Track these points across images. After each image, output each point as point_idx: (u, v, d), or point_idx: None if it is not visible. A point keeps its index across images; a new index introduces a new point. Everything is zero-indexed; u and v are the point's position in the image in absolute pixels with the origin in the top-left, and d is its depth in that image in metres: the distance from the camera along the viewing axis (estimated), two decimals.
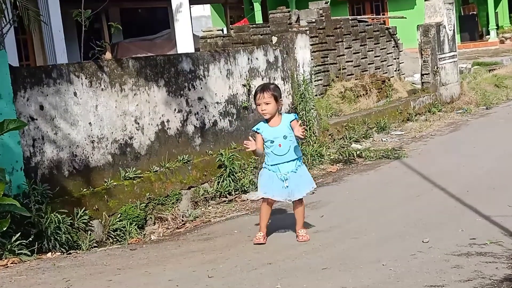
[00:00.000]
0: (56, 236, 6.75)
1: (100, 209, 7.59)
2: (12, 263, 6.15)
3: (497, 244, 6.15)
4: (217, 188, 9.16)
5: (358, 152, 11.40)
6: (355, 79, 15.78)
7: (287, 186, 6.62)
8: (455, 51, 17.74)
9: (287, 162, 6.66)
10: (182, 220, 8.26)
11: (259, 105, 6.66)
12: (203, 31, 17.08)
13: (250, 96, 10.34)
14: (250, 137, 6.71)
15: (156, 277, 5.73)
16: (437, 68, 16.42)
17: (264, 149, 6.73)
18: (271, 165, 6.68)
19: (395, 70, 18.33)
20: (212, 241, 7.14)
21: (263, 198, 6.79)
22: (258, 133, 6.71)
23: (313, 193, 8.96)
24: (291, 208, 7.10)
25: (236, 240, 7.03)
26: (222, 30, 17.71)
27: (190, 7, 19.74)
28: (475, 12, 37.49)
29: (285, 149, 6.65)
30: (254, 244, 6.65)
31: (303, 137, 6.56)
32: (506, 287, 5.04)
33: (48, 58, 15.71)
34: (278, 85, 7.11)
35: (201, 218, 8.39)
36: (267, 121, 6.71)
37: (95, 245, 7.25)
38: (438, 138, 13.19)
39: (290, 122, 6.64)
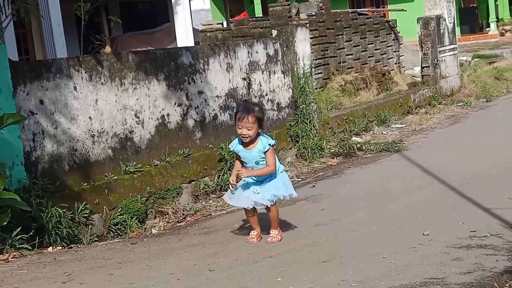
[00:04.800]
0: (57, 231, 6.75)
1: (101, 203, 7.59)
2: (13, 257, 6.16)
3: (498, 237, 6.16)
4: (217, 181, 9.16)
5: (358, 145, 11.40)
6: (355, 72, 15.76)
7: (258, 193, 6.44)
8: (455, 43, 17.72)
9: (261, 181, 6.46)
10: (183, 214, 8.27)
11: (241, 128, 6.27)
12: (203, 25, 17.07)
13: (250, 90, 10.34)
14: (230, 187, 6.50)
15: (157, 270, 5.74)
16: (437, 61, 16.41)
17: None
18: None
19: (395, 63, 18.31)
20: (212, 234, 7.15)
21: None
22: (236, 154, 6.51)
23: (313, 186, 9.00)
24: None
25: (236, 234, 7.04)
26: (222, 24, 17.71)
27: (189, 1, 19.71)
28: (475, 5, 37.44)
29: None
30: (248, 242, 6.54)
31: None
32: (507, 279, 5.05)
33: (48, 53, 15.68)
34: (262, 105, 6.67)
35: (202, 211, 8.40)
36: (242, 142, 6.41)
37: (96, 239, 7.25)
38: (438, 130, 13.20)
39: (264, 152, 6.35)
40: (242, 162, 6.53)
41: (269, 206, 6.43)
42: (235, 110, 6.60)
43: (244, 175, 6.41)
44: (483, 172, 9.14)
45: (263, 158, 6.38)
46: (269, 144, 6.37)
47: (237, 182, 6.55)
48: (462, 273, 5.26)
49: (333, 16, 15.59)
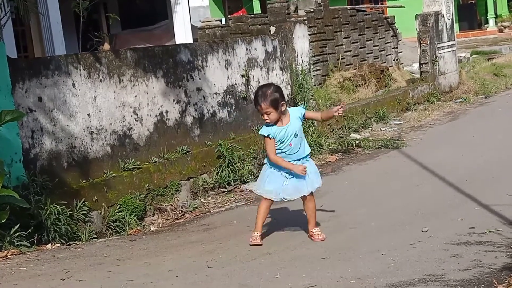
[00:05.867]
0: (55, 228, 6.75)
1: (99, 200, 7.59)
2: (11, 254, 6.16)
3: (496, 233, 6.17)
4: (216, 178, 9.16)
5: (357, 142, 11.40)
6: (354, 69, 15.74)
7: (287, 184, 6.32)
8: (454, 40, 17.72)
9: (297, 160, 6.33)
10: (182, 211, 8.27)
11: (261, 115, 6.29)
12: (202, 22, 17.03)
13: (249, 87, 10.34)
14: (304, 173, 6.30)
15: (156, 267, 5.74)
16: (435, 57, 16.41)
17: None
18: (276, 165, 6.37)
19: (394, 60, 18.30)
20: (211, 231, 7.15)
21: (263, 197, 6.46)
22: (271, 138, 6.30)
23: None
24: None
25: (235, 231, 7.04)
26: (221, 21, 17.68)
27: None
28: (473, 1, 37.40)
29: (296, 147, 6.31)
30: (250, 245, 6.31)
31: (342, 114, 6.40)
32: (505, 276, 5.05)
33: (47, 50, 15.68)
34: (278, 85, 6.61)
35: (201, 208, 8.40)
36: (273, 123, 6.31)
37: (95, 236, 7.25)
38: (437, 127, 13.19)
39: (302, 115, 6.34)
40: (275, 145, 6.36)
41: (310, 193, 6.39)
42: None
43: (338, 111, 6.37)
44: (482, 168, 9.14)
45: (301, 129, 6.36)
46: (303, 108, 6.47)
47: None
48: (461, 269, 5.26)
49: (332, 12, 15.56)
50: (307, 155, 6.43)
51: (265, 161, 6.51)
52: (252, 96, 10.24)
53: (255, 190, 6.56)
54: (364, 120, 13.18)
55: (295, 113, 6.36)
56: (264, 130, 6.32)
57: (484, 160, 9.68)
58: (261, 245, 6.30)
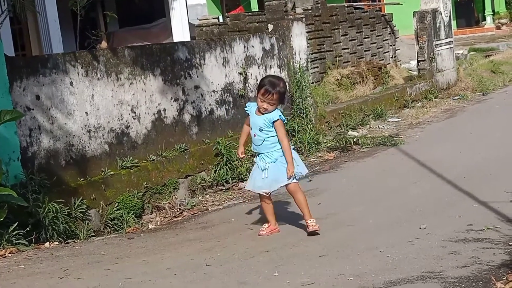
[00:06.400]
0: (53, 226, 6.74)
1: (97, 198, 7.58)
2: (10, 253, 6.15)
3: (494, 230, 6.18)
4: (214, 176, 9.16)
5: (355, 140, 11.41)
6: (352, 66, 15.75)
7: (267, 177, 6.42)
8: (451, 37, 17.72)
9: (265, 153, 6.46)
10: (180, 209, 8.27)
11: (263, 102, 6.35)
12: (199, 20, 17.05)
13: (247, 84, 10.33)
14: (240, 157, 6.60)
15: (154, 265, 5.74)
16: (433, 55, 16.41)
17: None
18: (256, 154, 6.61)
19: (392, 57, 18.30)
20: (209, 229, 7.15)
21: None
22: (247, 115, 6.64)
23: (310, 180, 9.00)
24: (286, 195, 7.11)
25: (233, 228, 7.04)
26: (218, 18, 17.70)
27: None
28: None
29: (258, 141, 6.47)
30: (259, 235, 6.55)
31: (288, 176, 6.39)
32: (503, 273, 5.05)
33: (44, 48, 15.64)
34: (284, 80, 6.74)
35: (199, 206, 8.40)
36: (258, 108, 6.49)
37: (93, 234, 7.25)
38: (435, 124, 13.20)
39: (272, 122, 6.39)
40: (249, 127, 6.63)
41: (289, 183, 6.46)
42: (259, 83, 6.60)
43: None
44: (480, 165, 9.15)
45: (269, 127, 6.41)
46: (279, 116, 6.43)
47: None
48: (459, 266, 5.27)
49: (329, 10, 15.57)
50: (273, 158, 6.45)
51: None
52: (250, 94, 10.27)
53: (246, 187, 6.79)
54: (361, 117, 13.19)
55: (270, 115, 6.42)
56: (249, 104, 6.67)
57: (482, 157, 9.69)
58: (279, 231, 6.61)
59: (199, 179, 8.95)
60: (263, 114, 6.43)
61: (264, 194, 6.51)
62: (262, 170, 6.44)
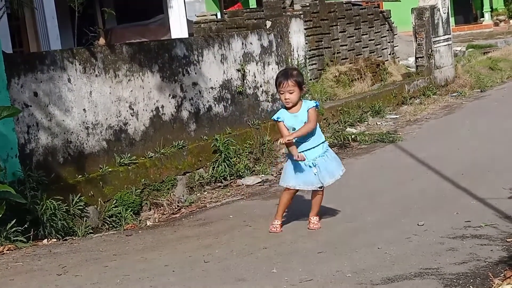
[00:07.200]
0: (51, 223, 6.74)
1: (96, 195, 7.59)
2: (8, 250, 6.16)
3: (492, 227, 6.18)
4: (212, 173, 9.16)
5: (353, 136, 11.40)
6: (350, 63, 15.74)
7: (316, 173, 6.41)
8: (450, 34, 17.72)
9: (313, 147, 6.41)
10: (178, 206, 8.27)
11: (282, 93, 6.32)
12: (197, 16, 17.03)
13: (245, 81, 10.33)
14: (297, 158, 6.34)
15: (152, 262, 5.74)
16: (431, 51, 16.41)
17: None
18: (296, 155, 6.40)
19: (390, 54, 18.30)
20: (207, 226, 7.15)
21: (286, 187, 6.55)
22: (280, 121, 6.41)
23: None
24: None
25: (231, 225, 7.04)
26: (216, 15, 17.65)
27: None
28: None
29: (308, 134, 6.37)
30: (270, 232, 6.50)
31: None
32: (501, 269, 5.05)
33: (42, 45, 15.63)
34: (299, 70, 6.68)
35: (197, 203, 8.41)
36: (286, 107, 6.41)
37: (91, 231, 7.25)
38: (433, 121, 13.20)
39: (308, 109, 6.35)
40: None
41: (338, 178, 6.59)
42: (275, 78, 6.60)
43: (286, 138, 6.29)
44: (478, 162, 9.15)
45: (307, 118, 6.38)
46: (316, 103, 6.45)
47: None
48: (456, 263, 5.27)
49: (327, 7, 15.56)
50: (323, 141, 6.51)
51: (287, 154, 6.64)
52: (248, 91, 10.27)
53: (285, 184, 6.57)
54: (360, 114, 13.18)
55: (306, 105, 6.40)
56: (276, 115, 6.47)
57: (480, 154, 9.69)
58: (281, 231, 6.53)
59: (197, 176, 8.95)
60: (295, 111, 6.37)
61: (318, 189, 6.53)
62: (310, 167, 6.39)
